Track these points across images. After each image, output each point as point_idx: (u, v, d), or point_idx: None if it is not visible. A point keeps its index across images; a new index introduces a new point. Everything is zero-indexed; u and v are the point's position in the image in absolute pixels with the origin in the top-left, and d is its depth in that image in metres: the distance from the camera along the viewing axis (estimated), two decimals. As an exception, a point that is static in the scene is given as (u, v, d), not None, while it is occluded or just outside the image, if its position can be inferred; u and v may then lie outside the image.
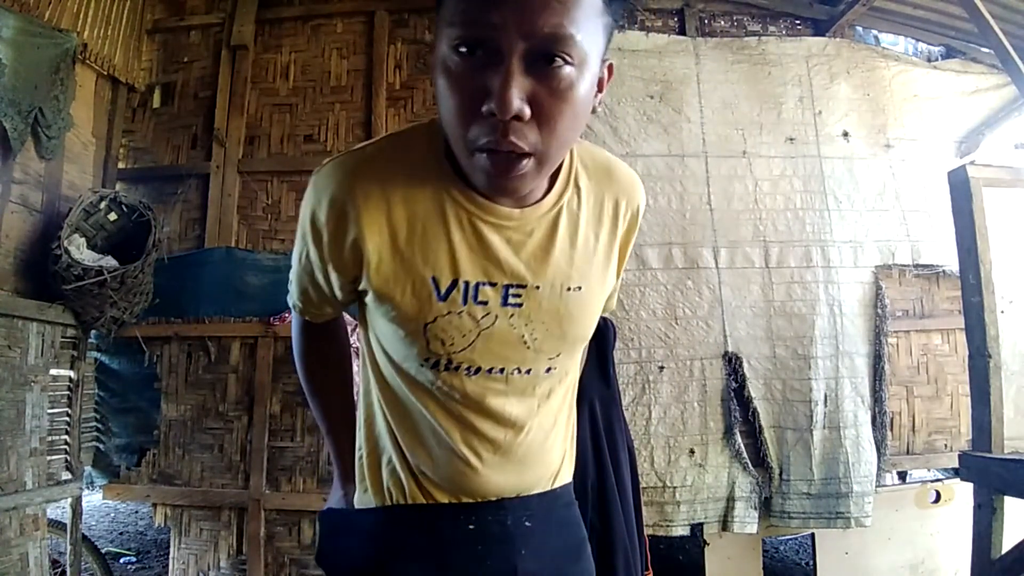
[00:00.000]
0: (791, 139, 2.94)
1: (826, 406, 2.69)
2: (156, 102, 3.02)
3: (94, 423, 2.77)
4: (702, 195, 2.85)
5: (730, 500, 2.64)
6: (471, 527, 0.76)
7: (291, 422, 2.73)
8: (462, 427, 0.74)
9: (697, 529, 2.65)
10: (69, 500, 2.38)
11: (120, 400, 2.80)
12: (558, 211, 0.71)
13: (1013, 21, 2.71)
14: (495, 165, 0.59)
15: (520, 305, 0.71)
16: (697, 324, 2.76)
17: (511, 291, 0.70)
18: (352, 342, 1.08)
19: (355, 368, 1.06)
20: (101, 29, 2.68)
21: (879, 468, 2.67)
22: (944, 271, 2.86)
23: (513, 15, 0.54)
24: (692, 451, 2.67)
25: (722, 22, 3.18)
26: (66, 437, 2.40)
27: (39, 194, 2.42)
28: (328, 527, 0.88)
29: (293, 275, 0.80)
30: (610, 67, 0.66)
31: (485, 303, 0.70)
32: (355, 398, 0.90)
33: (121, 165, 2.94)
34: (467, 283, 0.69)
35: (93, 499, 3.93)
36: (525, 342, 0.72)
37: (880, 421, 2.72)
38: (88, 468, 2.70)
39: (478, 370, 0.72)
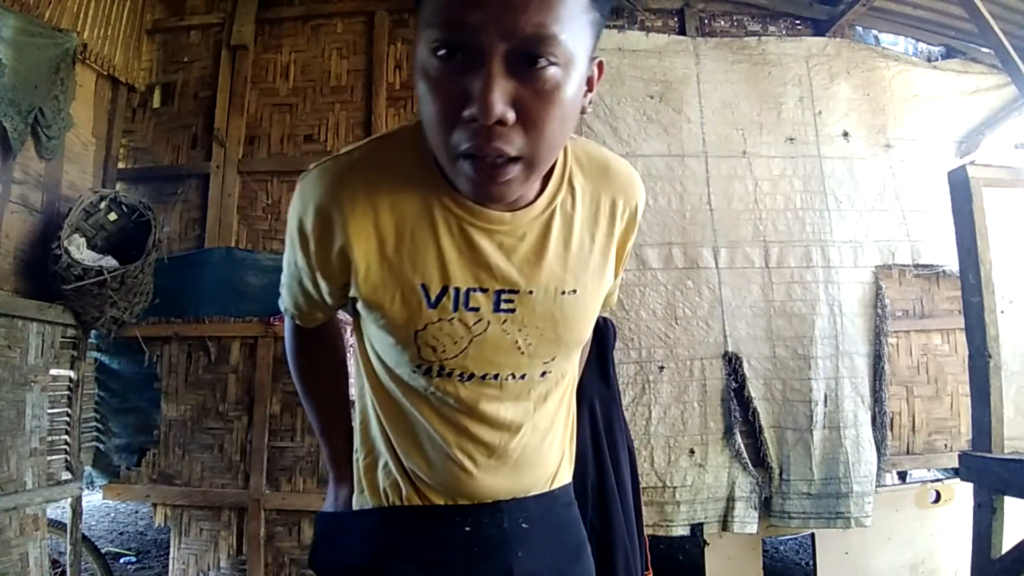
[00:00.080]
0: (791, 139, 2.94)
1: (826, 406, 2.69)
2: (156, 102, 3.02)
3: (94, 423, 2.77)
4: (702, 195, 2.85)
5: (730, 500, 2.64)
6: (467, 529, 0.75)
7: (291, 422, 2.73)
8: (456, 432, 0.73)
9: (697, 529, 2.65)
10: (69, 500, 2.38)
11: (120, 400, 2.80)
12: (551, 213, 0.69)
13: (1013, 21, 2.71)
14: (479, 171, 0.57)
15: (513, 311, 0.69)
16: (697, 324, 2.76)
17: (503, 297, 0.68)
18: (347, 339, 1.08)
19: (350, 368, 1.06)
20: (101, 29, 2.68)
21: (879, 468, 2.67)
22: (944, 271, 2.86)
23: (493, 15, 0.51)
24: (692, 451, 2.67)
25: (722, 22, 3.18)
26: (66, 437, 2.40)
27: (39, 194, 2.42)
28: (323, 530, 0.87)
29: (283, 281, 0.80)
30: (600, 64, 0.63)
31: (476, 309, 0.68)
32: (350, 400, 0.90)
33: (121, 165, 2.94)
34: (457, 289, 0.67)
35: (93, 499, 3.93)
36: (519, 347, 0.71)
37: (880, 421, 2.72)
38: (88, 468, 2.70)
39: (471, 376, 0.71)
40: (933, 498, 2.69)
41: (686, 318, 2.76)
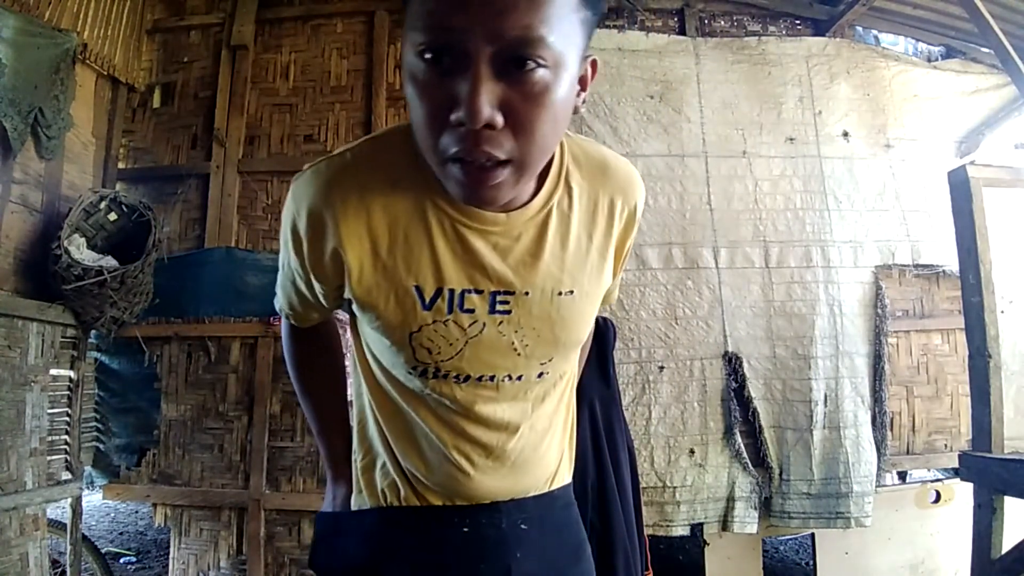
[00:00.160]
0: (791, 139, 2.94)
1: (826, 406, 2.69)
2: (156, 102, 3.02)
3: (94, 423, 2.77)
4: (702, 195, 2.85)
5: (730, 500, 2.64)
6: (465, 530, 0.75)
7: (291, 422, 2.73)
8: (453, 433, 0.73)
9: (697, 529, 2.65)
10: (69, 500, 2.38)
11: (120, 400, 2.80)
12: (547, 213, 0.68)
13: (1013, 21, 2.71)
14: (468, 175, 0.56)
15: (509, 312, 0.69)
16: (697, 324, 2.76)
17: (499, 298, 0.68)
18: (345, 339, 1.08)
19: (348, 367, 1.06)
20: (101, 29, 2.68)
21: (879, 468, 2.67)
22: (944, 271, 2.86)
23: (478, 18, 0.50)
24: (692, 451, 2.67)
25: (722, 22, 3.18)
26: (66, 437, 2.40)
27: (39, 194, 2.42)
28: (322, 530, 0.87)
29: (279, 281, 0.79)
30: (593, 63, 0.62)
31: (472, 311, 0.68)
32: (348, 399, 0.90)
33: (121, 165, 2.94)
34: (452, 291, 0.67)
35: (93, 499, 3.93)
36: (515, 349, 0.70)
37: (880, 421, 2.72)
38: (88, 468, 2.70)
39: (467, 378, 0.71)
40: (933, 498, 2.69)
41: (686, 318, 2.76)
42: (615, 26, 3.05)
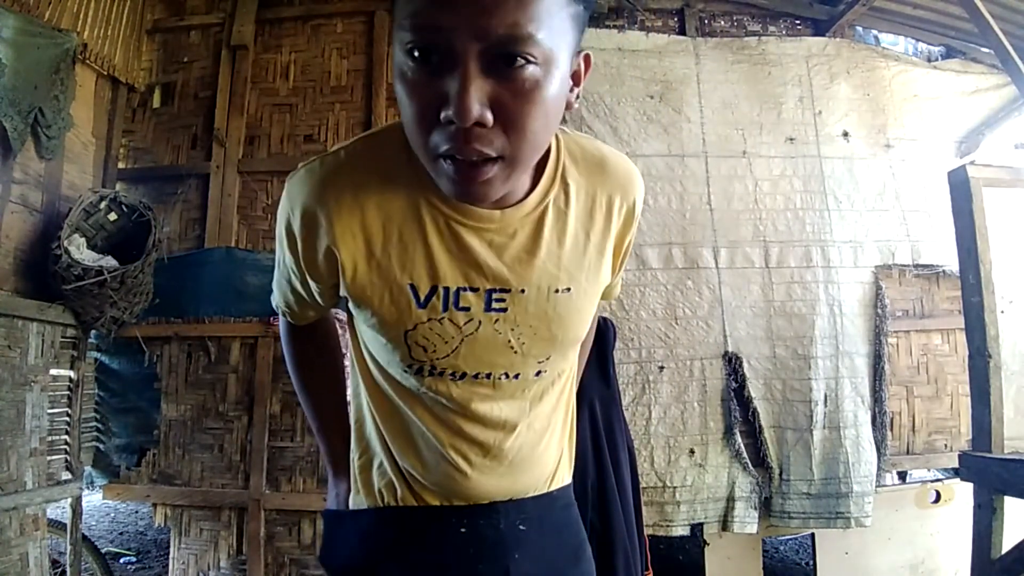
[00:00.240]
0: (791, 139, 2.94)
1: (826, 406, 2.69)
2: (156, 102, 3.02)
3: (94, 423, 2.77)
4: (702, 195, 2.85)
5: (730, 500, 2.64)
6: (463, 530, 0.75)
7: (291, 422, 2.73)
8: (450, 431, 0.73)
9: (697, 529, 2.65)
10: (69, 500, 2.38)
11: (120, 400, 2.80)
12: (543, 210, 0.68)
13: (1013, 21, 2.71)
14: (459, 171, 0.56)
15: (504, 310, 0.68)
16: (697, 324, 2.76)
17: (494, 296, 0.68)
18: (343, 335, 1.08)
19: (346, 366, 1.06)
20: (101, 29, 2.68)
21: (879, 468, 2.67)
22: (944, 271, 2.86)
23: (465, 16, 0.50)
24: (692, 451, 2.67)
25: (722, 22, 3.18)
26: (66, 437, 2.40)
27: (39, 194, 2.42)
28: (327, 527, 0.88)
29: (275, 279, 0.80)
30: (587, 58, 0.62)
31: (467, 309, 0.68)
32: (347, 397, 0.90)
33: (121, 165, 2.94)
34: (447, 289, 0.67)
35: (93, 499, 3.93)
36: (512, 347, 0.70)
37: (880, 421, 2.72)
38: (88, 468, 2.70)
39: (463, 376, 0.71)
40: (933, 498, 2.69)
41: (686, 318, 2.76)
42: (615, 26, 3.05)
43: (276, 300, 0.82)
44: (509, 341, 0.70)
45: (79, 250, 2.42)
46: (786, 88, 2.98)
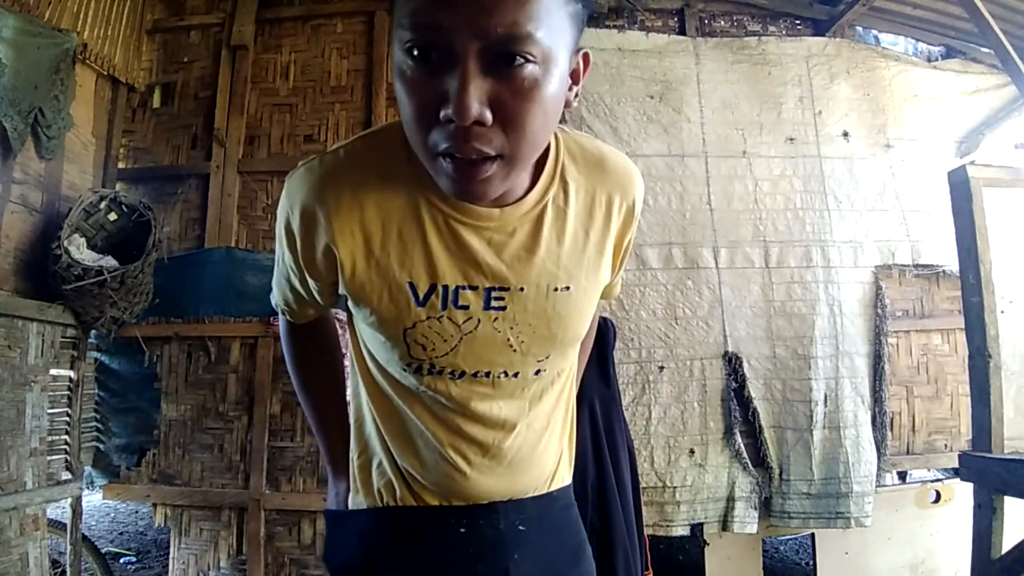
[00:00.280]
0: (791, 139, 2.94)
1: (826, 406, 2.69)
2: (156, 102, 3.02)
3: (94, 423, 2.77)
4: (702, 195, 2.85)
5: (730, 500, 2.64)
6: (462, 531, 0.75)
7: (291, 422, 2.73)
8: (449, 430, 0.73)
9: (697, 529, 2.65)
10: (69, 500, 2.38)
11: (120, 400, 2.80)
12: (542, 208, 0.68)
13: (1013, 21, 2.71)
14: (458, 170, 0.56)
15: (504, 308, 0.68)
16: (697, 324, 2.76)
17: (493, 294, 0.68)
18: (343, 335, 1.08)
19: (346, 366, 1.06)
20: (101, 29, 2.68)
21: (879, 468, 2.67)
22: (944, 271, 2.86)
23: (464, 16, 0.50)
24: (692, 451, 2.67)
25: (722, 22, 3.18)
26: (66, 437, 2.40)
27: (39, 194, 2.42)
28: (328, 527, 0.88)
29: (274, 277, 0.80)
30: (586, 56, 0.62)
31: (466, 307, 0.68)
32: (346, 396, 0.90)
33: (121, 165, 2.94)
34: (446, 287, 0.67)
35: (93, 499, 3.93)
36: (511, 345, 0.70)
37: (880, 421, 2.72)
38: (88, 468, 2.70)
39: (463, 374, 0.71)
40: (933, 498, 2.69)
41: (686, 318, 2.76)
42: (615, 26, 3.05)
43: (275, 298, 0.82)
44: (508, 340, 0.70)
45: (79, 250, 2.42)
46: (786, 88, 2.98)
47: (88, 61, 2.63)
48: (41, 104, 2.29)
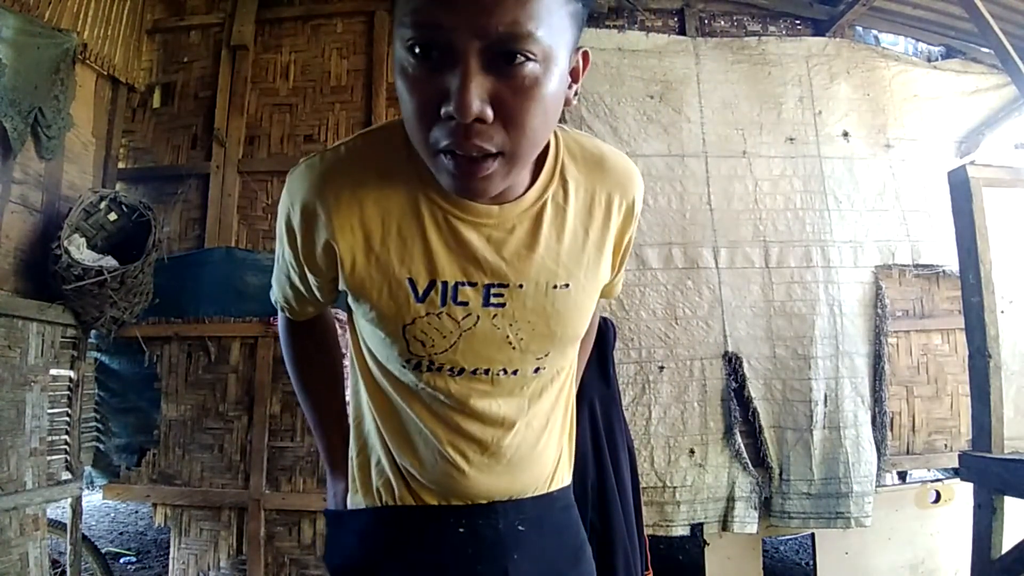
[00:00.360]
0: (791, 139, 2.94)
1: (826, 406, 2.69)
2: (156, 102, 3.02)
3: (94, 423, 2.77)
4: (702, 195, 2.85)
5: (730, 500, 2.64)
6: (461, 530, 0.75)
7: (291, 422, 2.73)
8: (448, 428, 0.73)
9: (697, 529, 2.65)
10: (69, 500, 2.38)
11: (120, 400, 2.80)
12: (542, 206, 0.68)
13: (1013, 21, 2.71)
14: (459, 166, 0.56)
15: (503, 305, 0.69)
16: (697, 324, 2.76)
17: (492, 291, 0.68)
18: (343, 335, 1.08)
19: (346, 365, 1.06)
20: (101, 29, 2.68)
21: (879, 468, 2.67)
22: (944, 271, 2.86)
23: (465, 16, 0.50)
24: (692, 451, 2.67)
25: (722, 22, 3.18)
26: (66, 437, 2.40)
27: (39, 194, 2.42)
28: (327, 527, 0.89)
29: (274, 274, 0.80)
30: (585, 55, 0.63)
31: (465, 304, 0.68)
32: (346, 395, 0.90)
33: (121, 165, 2.94)
34: (445, 283, 0.67)
35: (93, 499, 3.93)
36: (510, 342, 0.70)
37: (880, 421, 2.72)
38: (88, 468, 2.70)
39: (461, 371, 0.71)
40: (933, 498, 2.69)
41: (686, 318, 2.76)
42: (615, 26, 3.05)
43: (275, 295, 0.82)
44: (507, 337, 0.70)
45: (79, 250, 2.42)
46: (786, 88, 2.98)
47: (88, 61, 2.63)
48: (41, 104, 2.29)
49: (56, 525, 2.35)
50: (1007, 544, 1.85)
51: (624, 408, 2.25)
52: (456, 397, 0.72)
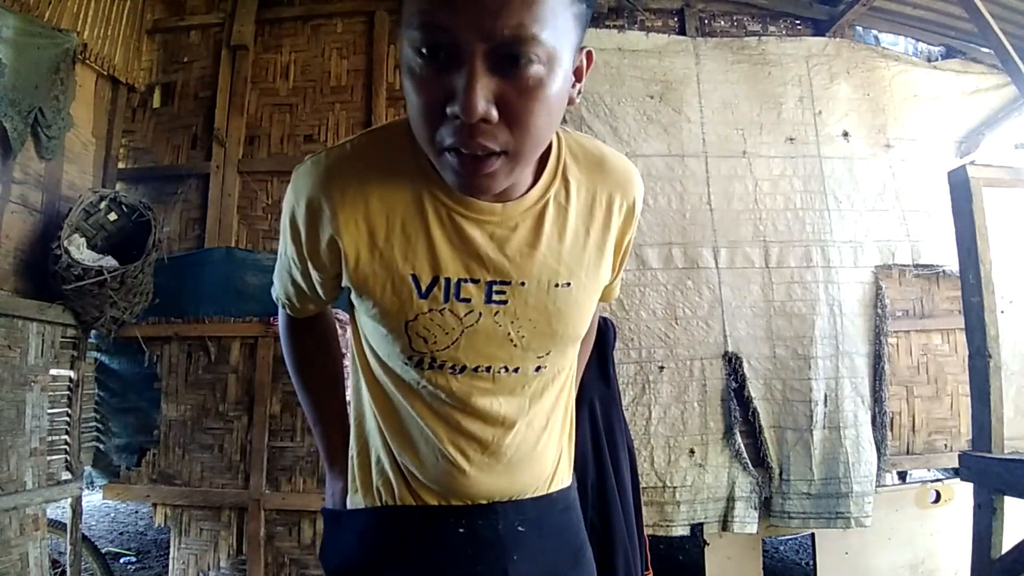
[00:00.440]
0: (791, 139, 2.94)
1: (826, 406, 2.69)
2: (156, 102, 3.02)
3: (94, 423, 2.77)
4: (702, 195, 2.85)
5: (730, 500, 2.64)
6: (461, 531, 0.75)
7: (291, 422, 2.73)
8: (448, 427, 0.73)
9: (697, 529, 2.66)
10: (69, 500, 2.38)
11: (120, 400, 2.80)
12: (544, 205, 0.69)
13: (1013, 21, 2.71)
14: (463, 165, 0.57)
15: (505, 302, 0.69)
16: (697, 324, 2.76)
17: (495, 288, 0.69)
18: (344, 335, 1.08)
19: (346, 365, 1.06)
20: (101, 29, 2.68)
21: (879, 468, 2.67)
22: (944, 271, 2.86)
23: (470, 18, 0.51)
24: (692, 451, 2.67)
25: (722, 22, 3.18)
26: (66, 437, 2.40)
27: (39, 194, 2.42)
28: (326, 525, 0.88)
29: (276, 270, 0.81)
30: (588, 54, 0.63)
31: (468, 300, 0.68)
32: (346, 394, 0.90)
33: (121, 165, 2.94)
34: (448, 280, 0.68)
35: (93, 499, 3.93)
36: (511, 340, 0.71)
37: (880, 421, 2.72)
38: (88, 468, 2.70)
39: (463, 368, 0.71)
40: (933, 498, 2.69)
41: (686, 318, 2.76)
42: (615, 26, 3.05)
43: (276, 292, 0.83)
44: (509, 334, 0.70)
45: (79, 250, 2.42)
46: (786, 88, 2.98)
47: (88, 61, 2.63)
48: (41, 104, 2.29)
49: (56, 525, 2.35)
50: (1007, 544, 1.85)
51: (624, 408, 2.26)
52: (457, 395, 0.72)
